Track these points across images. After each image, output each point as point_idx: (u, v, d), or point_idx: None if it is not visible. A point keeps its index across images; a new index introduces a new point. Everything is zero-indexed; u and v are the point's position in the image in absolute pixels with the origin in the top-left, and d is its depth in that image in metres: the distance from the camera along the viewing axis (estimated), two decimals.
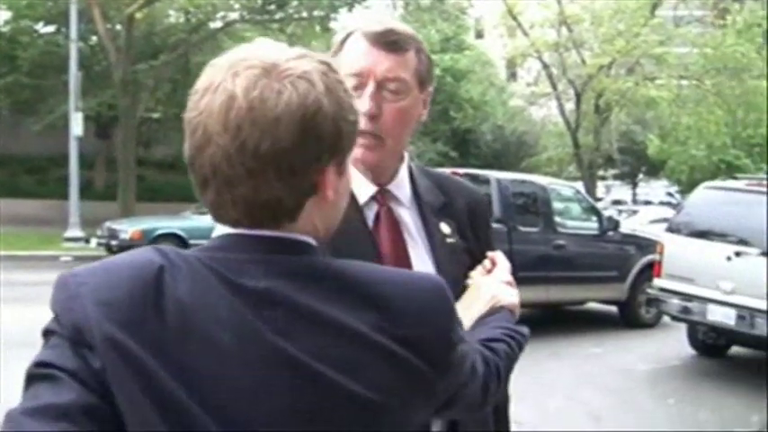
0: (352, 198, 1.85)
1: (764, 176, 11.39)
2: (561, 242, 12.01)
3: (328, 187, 1.25)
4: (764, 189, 9.30)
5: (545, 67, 31.90)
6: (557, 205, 12.83)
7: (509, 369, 1.61)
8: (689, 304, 9.51)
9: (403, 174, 1.97)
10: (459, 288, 1.90)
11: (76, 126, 21.11)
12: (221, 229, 1.27)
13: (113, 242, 17.36)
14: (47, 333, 1.18)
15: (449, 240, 1.95)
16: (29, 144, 26.97)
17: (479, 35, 42.92)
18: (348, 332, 1.19)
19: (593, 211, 13.55)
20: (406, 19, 36.27)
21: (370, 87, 1.81)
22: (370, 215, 1.90)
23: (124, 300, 1.13)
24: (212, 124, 1.18)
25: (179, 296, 1.15)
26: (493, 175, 12.38)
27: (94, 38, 25.54)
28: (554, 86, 32.18)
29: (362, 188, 1.89)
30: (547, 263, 11.69)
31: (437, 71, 32.83)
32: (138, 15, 22.47)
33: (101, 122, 27.78)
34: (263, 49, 1.24)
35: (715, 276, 9.18)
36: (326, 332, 1.19)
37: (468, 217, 2.03)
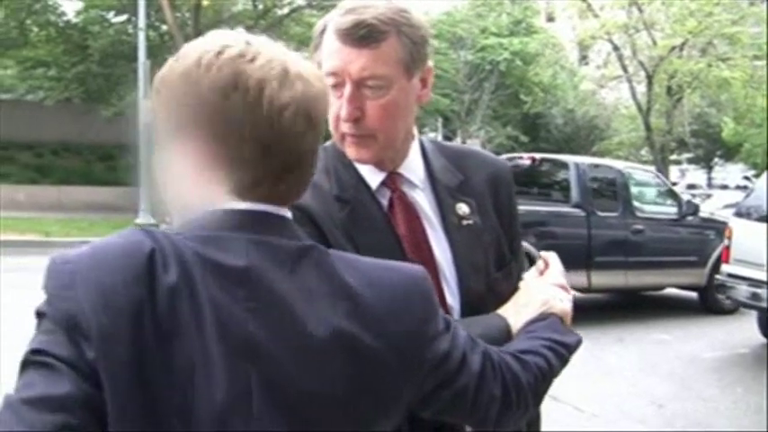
0: (365, 185, 1.83)
1: None
2: (640, 227, 11.86)
3: None
4: None
5: (615, 49, 31.39)
6: (635, 189, 12.64)
7: (545, 383, 1.55)
8: (758, 290, 9.23)
9: (413, 155, 1.90)
10: (482, 270, 1.87)
11: (145, 113, 21.38)
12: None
13: None
14: (39, 314, 1.16)
15: (466, 222, 1.88)
16: (100, 132, 27.34)
17: (551, 18, 42.47)
18: (314, 321, 1.19)
19: (672, 195, 13.24)
20: (474, 3, 36.08)
21: (348, 89, 1.71)
22: (383, 201, 1.84)
23: (119, 288, 1.12)
24: None
25: (168, 282, 1.14)
26: (571, 159, 12.33)
27: (164, 27, 25.84)
28: (624, 69, 31.68)
29: (372, 174, 1.85)
30: (625, 248, 11.60)
31: (506, 55, 32.94)
32: (206, 3, 22.68)
33: None
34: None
35: None
36: (293, 320, 1.19)
37: (489, 191, 1.96)
